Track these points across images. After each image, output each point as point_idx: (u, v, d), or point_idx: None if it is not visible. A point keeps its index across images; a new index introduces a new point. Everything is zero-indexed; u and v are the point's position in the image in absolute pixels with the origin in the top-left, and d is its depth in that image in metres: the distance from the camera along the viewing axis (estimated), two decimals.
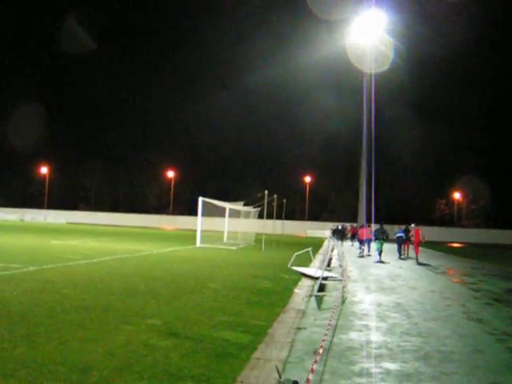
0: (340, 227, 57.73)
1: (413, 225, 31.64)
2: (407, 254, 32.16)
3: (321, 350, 7.03)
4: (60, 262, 17.94)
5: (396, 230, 33.09)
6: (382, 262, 27.28)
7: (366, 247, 34.38)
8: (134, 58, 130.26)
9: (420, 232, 30.21)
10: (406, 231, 31.76)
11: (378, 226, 31.06)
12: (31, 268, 15.66)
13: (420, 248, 30.27)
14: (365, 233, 34.81)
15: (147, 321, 8.96)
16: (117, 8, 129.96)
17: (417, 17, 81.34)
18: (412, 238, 30.68)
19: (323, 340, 7.71)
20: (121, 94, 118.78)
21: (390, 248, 36.75)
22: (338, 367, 6.87)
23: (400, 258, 30.82)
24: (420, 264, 26.85)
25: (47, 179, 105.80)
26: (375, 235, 30.07)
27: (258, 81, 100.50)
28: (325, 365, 6.92)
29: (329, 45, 74.39)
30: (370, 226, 39.70)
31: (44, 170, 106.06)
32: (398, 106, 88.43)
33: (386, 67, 71.24)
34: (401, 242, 31.58)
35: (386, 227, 31.18)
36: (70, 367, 6.18)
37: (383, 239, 29.25)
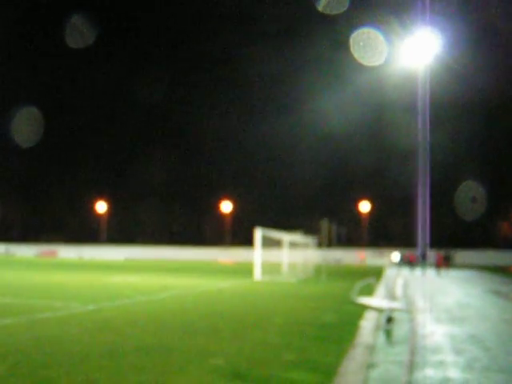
0: (400, 254, 65.95)
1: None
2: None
3: None
4: (119, 300, 17.84)
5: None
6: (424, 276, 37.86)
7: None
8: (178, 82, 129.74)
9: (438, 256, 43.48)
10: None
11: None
12: (90, 307, 15.57)
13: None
14: (412, 258, 49.47)
15: (210, 360, 8.58)
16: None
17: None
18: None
19: (402, 379, 7.16)
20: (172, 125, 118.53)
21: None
22: None
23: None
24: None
25: (106, 216, 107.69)
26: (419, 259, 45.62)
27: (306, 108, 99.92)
28: None
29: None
30: (414, 253, 55.35)
31: (103, 206, 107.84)
32: (456, 129, 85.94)
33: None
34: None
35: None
36: None
37: (424, 262, 43.96)
